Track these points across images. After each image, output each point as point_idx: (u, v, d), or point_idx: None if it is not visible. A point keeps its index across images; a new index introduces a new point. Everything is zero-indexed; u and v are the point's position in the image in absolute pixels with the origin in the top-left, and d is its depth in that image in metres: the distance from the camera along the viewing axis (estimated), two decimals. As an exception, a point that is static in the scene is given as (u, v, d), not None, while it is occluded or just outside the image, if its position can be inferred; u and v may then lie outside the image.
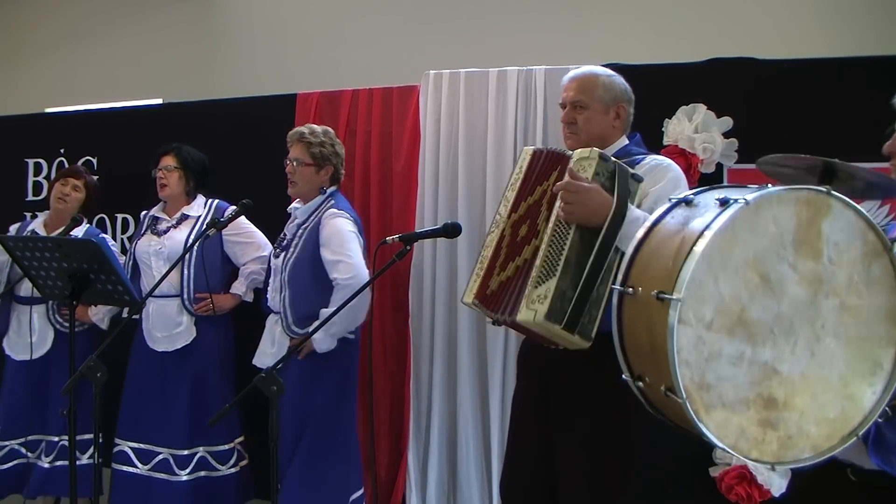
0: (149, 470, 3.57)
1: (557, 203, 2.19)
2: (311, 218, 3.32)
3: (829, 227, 1.51)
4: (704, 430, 1.47)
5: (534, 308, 2.10)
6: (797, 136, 3.38)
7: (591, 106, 2.51)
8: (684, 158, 3.34)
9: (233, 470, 3.63)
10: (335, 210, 3.30)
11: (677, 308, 1.44)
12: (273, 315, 3.40)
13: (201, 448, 3.57)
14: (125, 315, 3.81)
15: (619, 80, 2.57)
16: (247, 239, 3.67)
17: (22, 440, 3.71)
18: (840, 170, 1.60)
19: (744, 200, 1.46)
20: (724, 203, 1.50)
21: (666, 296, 1.47)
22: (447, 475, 3.89)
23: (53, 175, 4.72)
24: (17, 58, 6.32)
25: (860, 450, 1.61)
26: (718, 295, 1.47)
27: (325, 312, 3.15)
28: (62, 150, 4.79)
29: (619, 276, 1.67)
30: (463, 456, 3.82)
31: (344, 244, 3.21)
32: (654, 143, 3.29)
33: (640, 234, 1.67)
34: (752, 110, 3.41)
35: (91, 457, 3.71)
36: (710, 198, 1.58)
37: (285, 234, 3.41)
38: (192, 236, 3.58)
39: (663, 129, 3.46)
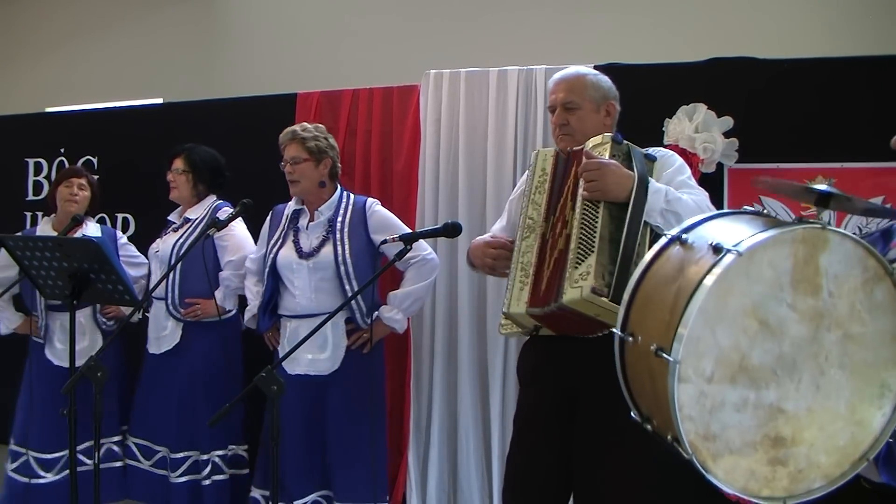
0: (151, 466, 3.63)
1: (581, 186, 2.23)
2: (342, 211, 3.30)
3: (828, 261, 1.51)
4: (713, 479, 1.48)
5: (578, 286, 2.10)
6: (797, 136, 3.38)
7: (583, 105, 2.52)
8: (685, 158, 3.31)
9: (219, 477, 3.54)
10: (371, 199, 3.38)
11: (675, 370, 1.44)
12: (307, 318, 3.22)
13: (192, 452, 3.55)
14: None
15: (605, 78, 2.60)
16: (225, 242, 3.58)
17: (85, 445, 3.63)
18: (835, 196, 1.59)
19: (736, 252, 1.45)
20: (718, 250, 1.49)
21: (664, 355, 1.47)
22: (447, 474, 3.89)
23: (54, 175, 4.72)
24: (17, 57, 6.33)
25: (869, 466, 1.61)
26: (717, 347, 1.47)
27: (396, 293, 3.30)
28: (62, 150, 4.79)
29: (619, 320, 1.67)
30: (463, 455, 3.82)
31: (400, 226, 3.29)
32: (655, 143, 3.28)
33: (636, 275, 1.66)
34: (752, 110, 3.41)
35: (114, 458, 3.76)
36: (705, 241, 1.56)
37: (297, 234, 3.30)
38: (181, 240, 3.58)
39: (664, 128, 3.45)
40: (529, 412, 2.55)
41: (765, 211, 1.70)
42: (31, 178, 4.91)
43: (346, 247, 3.22)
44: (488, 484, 3.78)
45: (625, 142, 2.31)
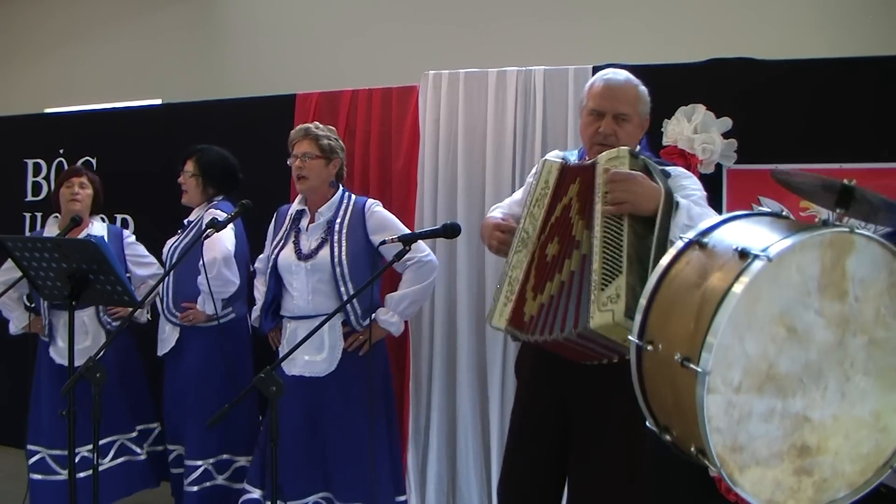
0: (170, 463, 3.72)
1: (598, 202, 2.14)
2: (342, 212, 3.30)
3: (854, 265, 1.48)
4: (740, 491, 1.45)
5: (609, 309, 1.98)
6: (797, 137, 3.37)
7: (632, 119, 2.42)
8: (683, 159, 3.34)
9: (194, 489, 3.51)
10: (371, 200, 3.36)
11: (705, 381, 1.40)
12: (305, 320, 3.24)
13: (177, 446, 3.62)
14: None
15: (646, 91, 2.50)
16: (206, 245, 3.42)
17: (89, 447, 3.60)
18: (857, 194, 1.57)
19: (766, 258, 1.41)
20: (744, 255, 1.45)
21: (692, 365, 1.43)
22: (446, 476, 3.88)
23: (53, 175, 4.72)
24: (16, 58, 6.33)
25: (890, 474, 1.60)
26: (745, 356, 1.44)
27: (392, 295, 3.28)
28: (61, 151, 4.80)
29: (636, 326, 1.62)
30: (462, 456, 3.81)
31: (399, 226, 3.27)
32: (653, 144, 3.29)
33: (653, 279, 1.61)
34: (751, 111, 3.40)
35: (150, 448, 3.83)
36: (727, 244, 1.52)
37: (298, 235, 3.30)
38: (178, 242, 3.60)
39: (662, 129, 3.45)
40: (524, 412, 2.56)
41: (784, 212, 1.66)
42: (31, 178, 4.91)
43: (343, 248, 3.21)
44: (487, 484, 3.77)
45: (640, 156, 2.21)
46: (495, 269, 3.58)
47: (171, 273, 3.53)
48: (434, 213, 3.86)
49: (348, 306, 3.18)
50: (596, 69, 3.01)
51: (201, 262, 3.40)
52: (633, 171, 2.13)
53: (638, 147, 2.47)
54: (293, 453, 3.16)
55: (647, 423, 1.65)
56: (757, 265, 1.41)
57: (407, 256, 3.01)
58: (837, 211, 1.57)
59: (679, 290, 1.56)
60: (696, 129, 3.38)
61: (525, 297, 2.27)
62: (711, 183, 3.35)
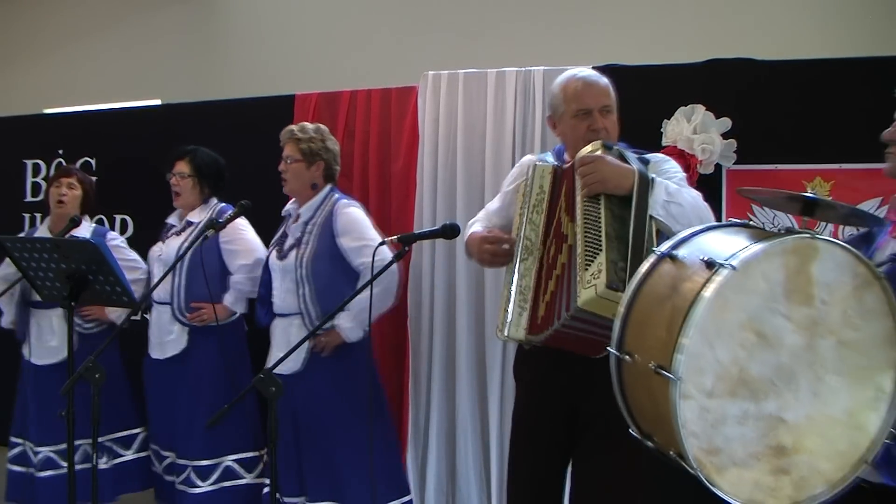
0: (161, 471, 3.67)
1: (578, 192, 2.20)
2: (319, 212, 3.33)
3: (819, 270, 1.54)
4: (719, 492, 1.49)
5: (591, 285, 2.03)
6: (796, 137, 3.38)
7: (614, 110, 2.48)
8: (683, 159, 3.33)
9: (210, 488, 3.49)
10: (346, 200, 3.36)
11: (677, 387, 1.46)
12: (282, 319, 3.35)
13: (189, 462, 3.53)
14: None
15: None
16: (235, 246, 3.55)
17: (57, 447, 3.61)
18: (821, 203, 1.61)
19: (730, 266, 1.47)
20: (711, 265, 1.51)
21: (665, 373, 1.48)
22: (446, 476, 3.88)
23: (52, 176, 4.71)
24: (15, 58, 6.32)
25: (868, 468, 1.63)
26: (716, 362, 1.49)
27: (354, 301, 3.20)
28: (60, 151, 4.79)
29: (614, 339, 1.68)
30: (461, 456, 3.81)
31: (364, 230, 3.26)
32: (653, 145, 3.29)
33: (627, 295, 1.68)
34: (750, 111, 3.41)
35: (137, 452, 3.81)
36: (696, 256, 1.58)
37: (286, 234, 3.38)
38: (186, 243, 3.55)
39: (662, 129, 3.45)
40: (528, 412, 2.55)
41: (752, 222, 1.76)
42: (30, 179, 4.91)
43: (308, 249, 3.25)
44: (486, 485, 3.77)
45: (615, 146, 2.29)
46: (494, 270, 3.57)
47: (185, 275, 3.51)
48: (433, 214, 3.86)
49: (304, 308, 3.23)
50: (595, 69, 2.99)
51: (241, 262, 3.51)
52: (598, 154, 2.19)
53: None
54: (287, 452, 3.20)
55: (631, 431, 1.69)
56: (722, 274, 1.48)
57: (363, 260, 3.13)
58: (805, 219, 1.62)
59: (652, 302, 1.62)
60: (695, 129, 3.38)
61: (539, 303, 2.27)
62: (711, 183, 3.36)
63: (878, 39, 3.94)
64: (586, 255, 2.08)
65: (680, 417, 1.46)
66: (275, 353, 3.32)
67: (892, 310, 1.59)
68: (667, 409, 1.47)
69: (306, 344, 3.17)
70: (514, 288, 2.34)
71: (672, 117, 3.44)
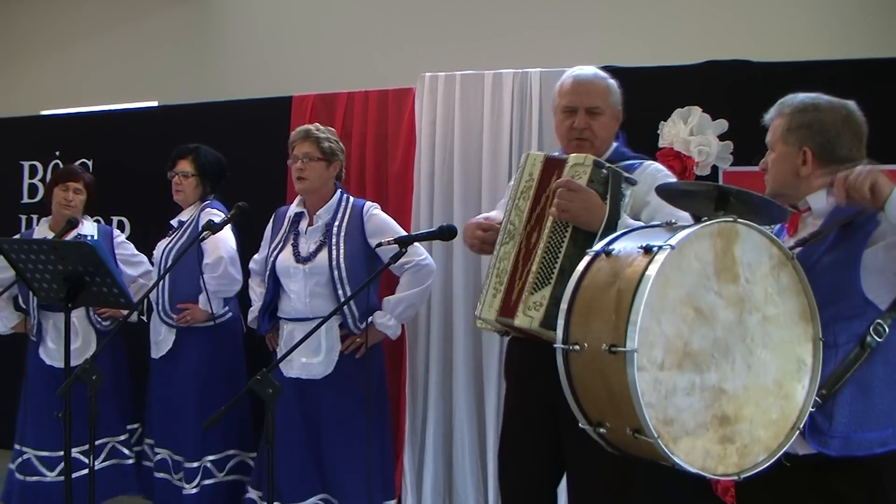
0: (154, 468, 3.66)
1: (553, 203, 2.20)
2: (340, 214, 3.31)
3: (741, 251, 1.68)
4: (676, 460, 1.57)
5: (530, 315, 2.17)
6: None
7: (605, 111, 2.46)
8: (679, 161, 3.35)
9: (194, 490, 3.48)
10: (370, 203, 3.37)
11: (633, 358, 1.54)
12: (302, 322, 3.23)
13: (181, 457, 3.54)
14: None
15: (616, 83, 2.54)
16: (206, 245, 3.45)
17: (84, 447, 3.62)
18: (733, 195, 1.72)
19: (669, 246, 1.59)
20: (649, 250, 1.63)
21: (619, 348, 1.57)
22: (443, 476, 3.89)
23: (49, 177, 4.70)
24: (12, 60, 6.31)
25: (798, 439, 1.76)
26: (664, 336, 1.59)
27: (389, 298, 3.27)
28: (57, 153, 4.79)
29: (559, 334, 1.75)
30: (458, 456, 3.82)
31: (396, 230, 3.27)
32: (650, 146, 3.29)
33: (569, 289, 1.77)
34: (747, 113, 3.40)
35: (131, 456, 3.80)
36: (632, 247, 1.71)
37: (297, 236, 3.31)
38: (171, 244, 3.58)
39: (658, 131, 3.46)
40: (514, 409, 2.57)
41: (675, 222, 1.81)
42: (27, 180, 4.91)
43: (342, 251, 3.22)
44: (483, 486, 3.78)
45: (606, 165, 2.25)
46: (492, 270, 3.59)
47: (167, 277, 3.50)
48: (430, 215, 3.87)
49: (346, 309, 3.19)
50: (592, 71, 3.01)
51: (205, 262, 3.43)
52: (579, 186, 2.18)
53: (615, 144, 2.52)
54: (292, 455, 3.16)
55: (580, 425, 1.75)
56: (662, 254, 1.60)
57: (404, 260, 3.07)
58: (720, 213, 1.72)
59: (595, 293, 1.72)
60: (692, 131, 3.39)
61: (514, 286, 2.29)
62: (708, 185, 3.36)
63: (875, 41, 3.93)
64: (537, 278, 2.18)
65: (639, 388, 1.53)
66: (298, 357, 3.16)
67: (805, 288, 1.74)
68: (623, 384, 1.55)
69: (337, 346, 3.21)
70: (491, 271, 2.37)
71: (669, 119, 3.45)
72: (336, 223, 3.28)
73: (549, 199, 2.26)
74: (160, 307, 3.57)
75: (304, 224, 3.33)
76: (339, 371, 3.21)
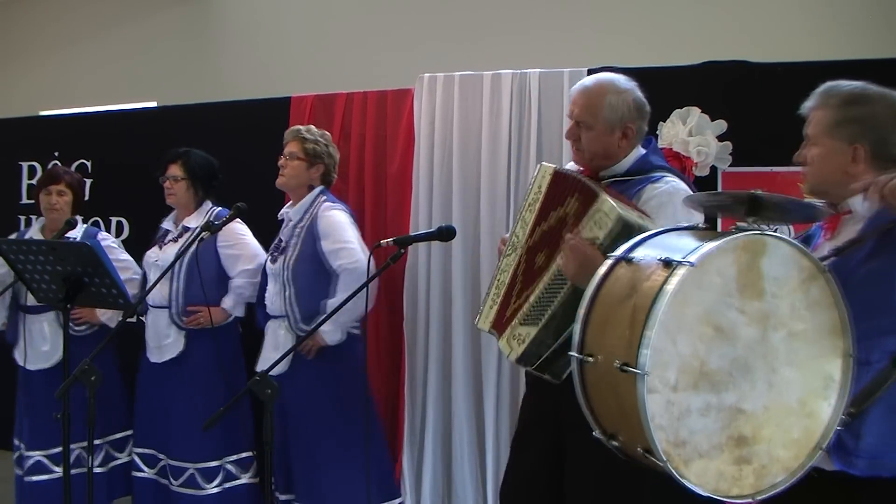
0: (154, 474, 3.62)
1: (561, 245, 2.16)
2: (306, 215, 3.38)
3: (768, 265, 1.61)
4: (687, 483, 1.53)
5: (511, 345, 2.24)
6: (791, 140, 3.36)
7: (595, 126, 2.35)
8: (678, 162, 3.34)
9: (215, 490, 3.49)
10: (329, 203, 3.39)
11: (644, 381, 1.50)
12: (273, 320, 3.40)
13: (190, 465, 3.51)
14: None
15: (630, 96, 2.38)
16: (237, 251, 3.55)
17: (53, 451, 3.61)
18: (765, 200, 1.65)
19: (689, 263, 1.53)
20: (668, 264, 1.57)
21: (630, 369, 1.52)
22: (442, 477, 3.88)
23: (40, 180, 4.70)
24: (11, 61, 6.32)
25: (822, 456, 1.68)
26: (678, 356, 1.54)
27: (331, 303, 3.22)
28: (56, 154, 4.78)
29: (575, 342, 1.71)
30: (457, 457, 3.82)
31: (342, 233, 3.30)
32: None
33: (587, 297, 1.71)
34: (746, 114, 3.41)
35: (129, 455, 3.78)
36: (651, 257, 1.64)
37: (281, 239, 3.43)
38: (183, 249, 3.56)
39: (657, 132, 3.46)
40: (521, 419, 2.59)
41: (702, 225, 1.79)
42: (25, 181, 4.90)
43: (295, 253, 3.31)
44: (482, 487, 3.78)
45: (630, 223, 2.04)
46: (490, 271, 3.59)
47: (182, 279, 3.50)
48: (429, 216, 3.86)
49: (288, 310, 3.27)
50: (591, 72, 3.00)
51: (244, 267, 3.52)
52: (590, 252, 2.04)
53: (641, 152, 2.40)
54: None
55: (594, 433, 1.72)
56: (681, 271, 1.53)
57: (341, 263, 3.21)
58: (750, 219, 1.65)
59: (612, 304, 1.67)
60: (690, 131, 3.39)
61: (509, 301, 2.30)
62: (706, 186, 3.36)
63: (875, 42, 3.94)
64: (529, 312, 2.21)
65: (648, 411, 1.49)
66: (265, 354, 3.38)
67: (837, 301, 1.65)
68: (633, 404, 1.51)
69: (289, 345, 3.22)
70: (493, 281, 2.40)
71: (667, 120, 3.44)
72: (301, 224, 3.36)
73: (562, 221, 2.20)
74: (173, 310, 3.51)
75: (285, 225, 3.47)
76: (294, 370, 3.23)
